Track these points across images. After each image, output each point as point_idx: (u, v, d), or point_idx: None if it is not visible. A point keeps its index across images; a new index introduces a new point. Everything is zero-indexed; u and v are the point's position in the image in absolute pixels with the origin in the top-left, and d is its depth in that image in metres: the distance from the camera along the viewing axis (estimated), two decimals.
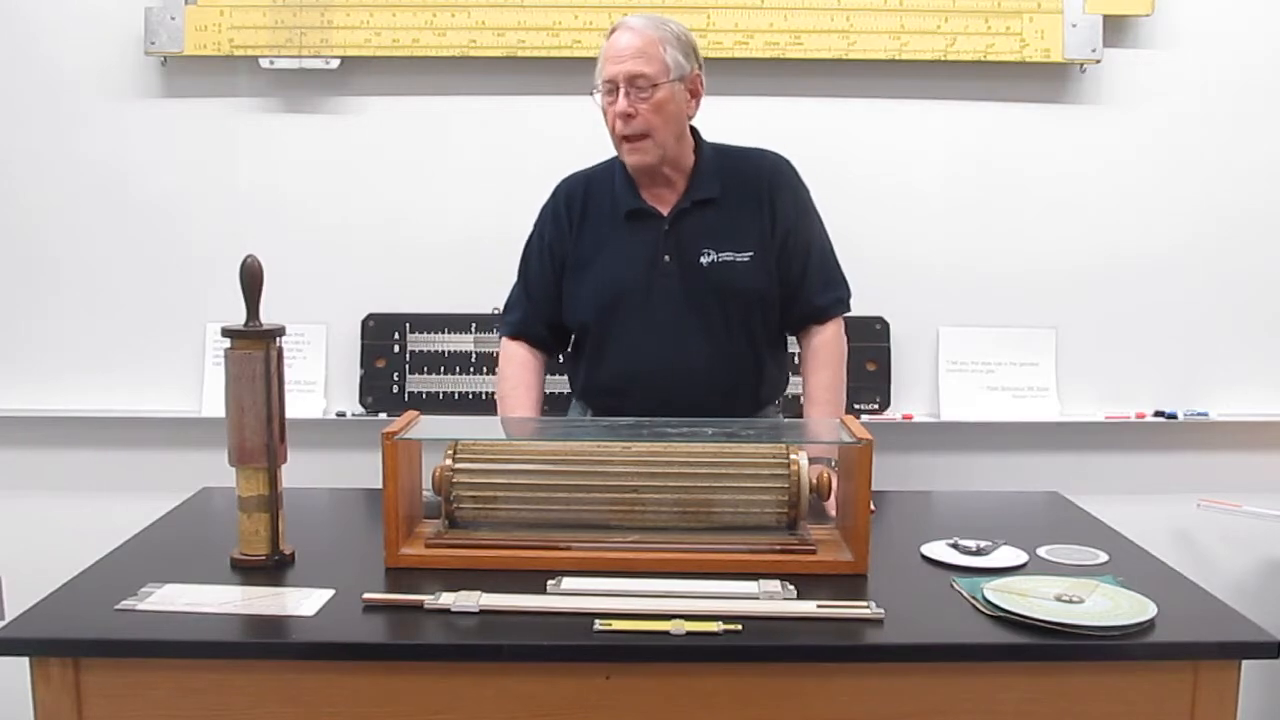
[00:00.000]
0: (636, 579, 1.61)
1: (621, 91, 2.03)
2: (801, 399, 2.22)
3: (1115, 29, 2.65)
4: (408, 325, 2.71)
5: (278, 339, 1.71)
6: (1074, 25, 2.62)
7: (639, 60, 2.03)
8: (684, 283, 2.13)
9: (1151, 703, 1.48)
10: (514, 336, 2.24)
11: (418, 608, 1.53)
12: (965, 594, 1.59)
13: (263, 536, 1.70)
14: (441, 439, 1.82)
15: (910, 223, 2.71)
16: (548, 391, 2.32)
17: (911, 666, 1.48)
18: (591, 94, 2.09)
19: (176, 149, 2.68)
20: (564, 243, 2.19)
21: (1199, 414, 2.75)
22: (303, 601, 1.56)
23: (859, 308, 2.29)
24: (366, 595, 1.56)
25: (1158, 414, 2.74)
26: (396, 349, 2.71)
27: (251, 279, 1.71)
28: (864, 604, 1.54)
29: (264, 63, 2.61)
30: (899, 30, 2.62)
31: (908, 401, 2.74)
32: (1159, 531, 2.63)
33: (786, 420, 2.38)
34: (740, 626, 1.48)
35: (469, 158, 2.70)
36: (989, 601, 1.53)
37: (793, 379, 2.33)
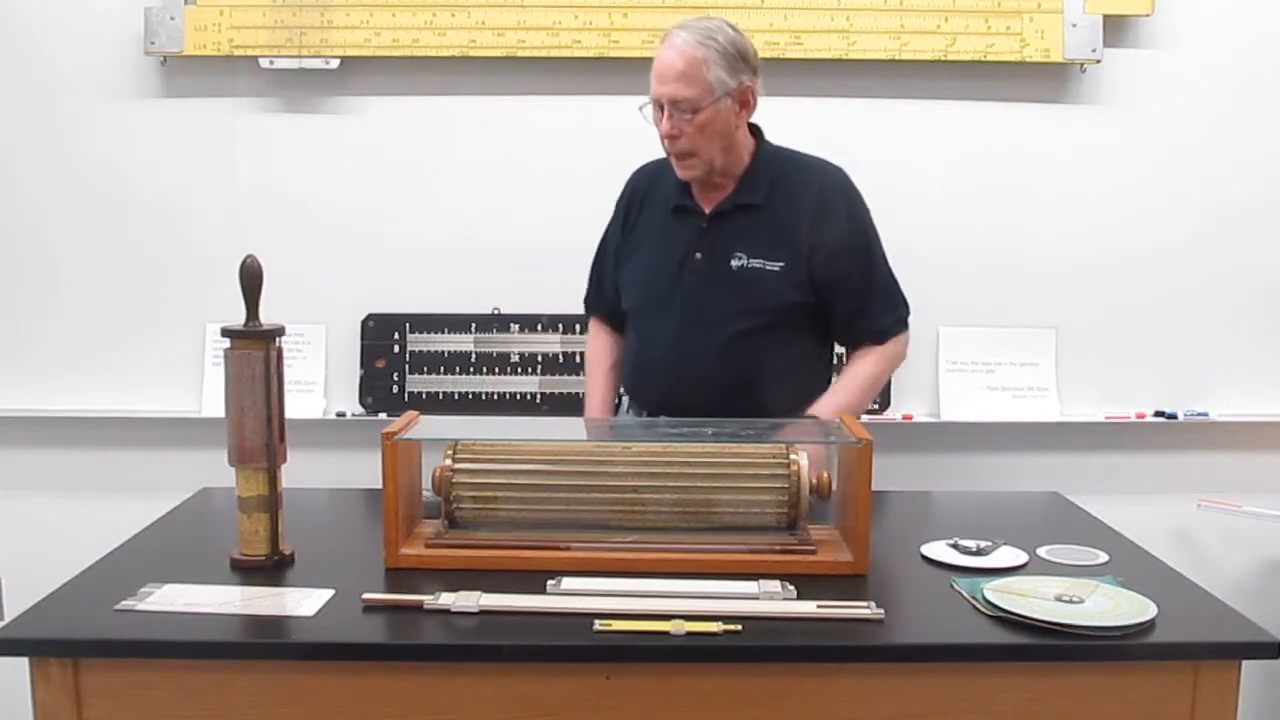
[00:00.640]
0: (636, 579, 1.61)
1: (666, 112, 2.04)
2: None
3: (1115, 29, 2.65)
4: (408, 325, 2.71)
5: (277, 339, 1.70)
6: (1074, 25, 2.62)
7: (680, 84, 2.01)
8: (710, 283, 2.12)
9: (1151, 703, 1.48)
10: (590, 313, 2.37)
11: (417, 608, 1.52)
12: (965, 594, 1.59)
13: (262, 537, 1.69)
14: (441, 439, 1.81)
15: (910, 223, 2.69)
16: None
17: (911, 667, 1.48)
18: (640, 109, 2.08)
19: (176, 149, 2.68)
20: (621, 231, 2.25)
21: (1199, 414, 2.75)
22: (303, 602, 1.55)
23: None
24: (366, 595, 1.56)
25: (1158, 414, 2.74)
26: (396, 349, 2.71)
27: (251, 279, 1.70)
28: (864, 604, 1.53)
29: (264, 63, 2.61)
30: (899, 30, 2.62)
31: (908, 401, 2.74)
32: (1159, 532, 2.64)
33: (787, 420, 2.38)
34: (740, 627, 1.48)
35: (469, 157, 2.70)
36: (989, 602, 1.53)
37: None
